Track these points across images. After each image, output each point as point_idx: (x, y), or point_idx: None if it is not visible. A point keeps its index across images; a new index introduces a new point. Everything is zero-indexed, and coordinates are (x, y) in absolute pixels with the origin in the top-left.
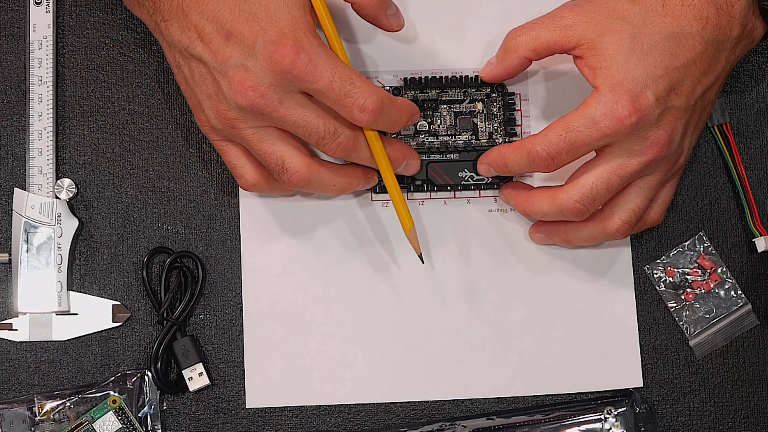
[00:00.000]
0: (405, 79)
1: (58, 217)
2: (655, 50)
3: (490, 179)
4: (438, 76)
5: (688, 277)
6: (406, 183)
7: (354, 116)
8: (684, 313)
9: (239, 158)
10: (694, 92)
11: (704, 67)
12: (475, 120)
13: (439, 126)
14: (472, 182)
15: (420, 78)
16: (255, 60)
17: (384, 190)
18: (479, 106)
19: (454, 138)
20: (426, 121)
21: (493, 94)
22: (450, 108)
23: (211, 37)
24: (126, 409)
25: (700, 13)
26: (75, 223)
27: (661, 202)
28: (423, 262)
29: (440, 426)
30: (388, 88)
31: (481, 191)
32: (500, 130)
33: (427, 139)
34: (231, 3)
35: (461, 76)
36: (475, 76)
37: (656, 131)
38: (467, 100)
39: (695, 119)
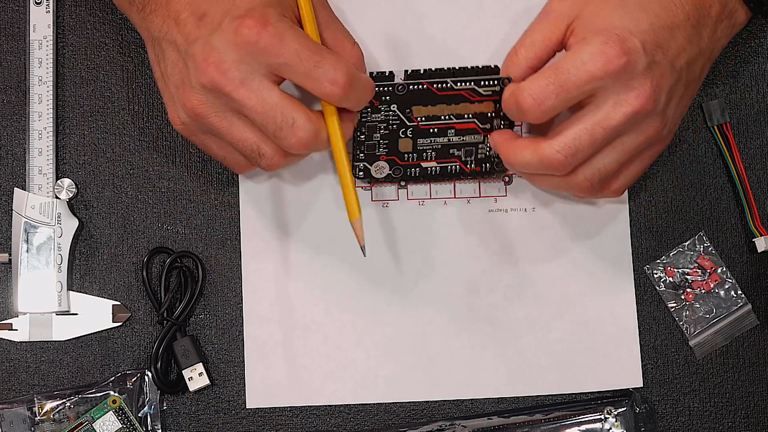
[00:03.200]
0: (406, 71)
1: (58, 217)
2: (640, 8)
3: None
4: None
5: (688, 277)
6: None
7: (324, 89)
8: (684, 313)
9: (223, 147)
10: (679, 57)
11: (687, 35)
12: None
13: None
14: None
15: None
16: (220, 35)
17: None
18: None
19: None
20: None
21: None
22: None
23: (186, 21)
24: (126, 409)
25: None
26: (75, 223)
27: (627, 173)
28: (365, 255)
29: (440, 426)
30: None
31: (480, 193)
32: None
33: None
34: None
35: (465, 67)
36: (477, 66)
37: (644, 81)
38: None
39: (681, 88)
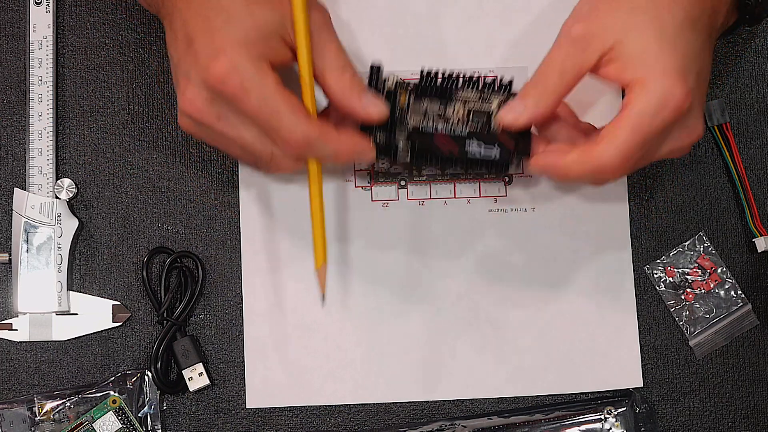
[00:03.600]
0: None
1: (58, 217)
2: (680, 36)
3: (497, 157)
4: (454, 75)
5: (688, 277)
6: (409, 150)
7: (281, 146)
8: (684, 313)
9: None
10: (707, 78)
11: (710, 52)
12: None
13: (451, 114)
14: (479, 156)
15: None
16: (196, 71)
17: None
18: (494, 104)
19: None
20: (440, 106)
21: (510, 99)
22: (465, 104)
23: (179, 43)
24: (126, 409)
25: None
26: (75, 223)
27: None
28: (323, 304)
29: (440, 426)
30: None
31: (480, 193)
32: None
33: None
34: (204, 10)
35: (479, 77)
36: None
37: (696, 120)
38: (482, 99)
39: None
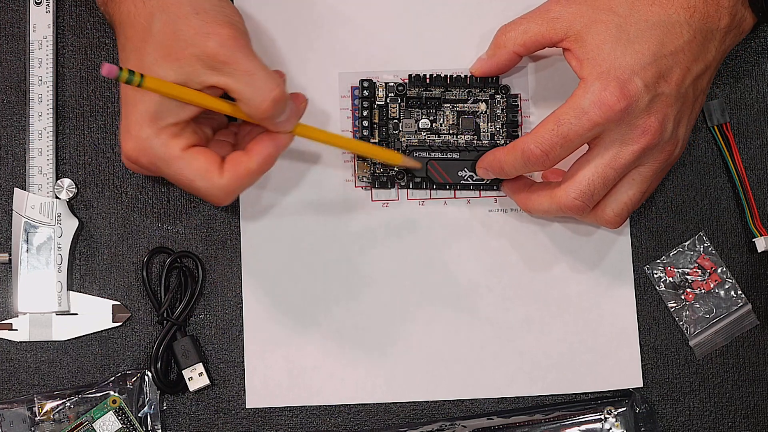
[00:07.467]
0: (410, 75)
1: (58, 217)
2: (642, 38)
3: (489, 180)
4: (443, 75)
5: (688, 277)
6: (406, 181)
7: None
8: (684, 313)
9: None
10: (684, 80)
11: (693, 55)
12: (477, 120)
13: (441, 124)
14: (471, 182)
15: (425, 76)
16: (122, 136)
17: (383, 186)
18: (482, 106)
19: (456, 137)
20: (428, 119)
21: (497, 96)
22: (453, 107)
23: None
24: (126, 409)
25: (688, 2)
26: (75, 223)
27: (646, 194)
28: (420, 167)
29: (440, 426)
30: (392, 84)
31: (481, 191)
32: (502, 132)
33: (428, 136)
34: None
35: (466, 76)
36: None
37: (647, 118)
38: (471, 100)
39: (688, 108)
